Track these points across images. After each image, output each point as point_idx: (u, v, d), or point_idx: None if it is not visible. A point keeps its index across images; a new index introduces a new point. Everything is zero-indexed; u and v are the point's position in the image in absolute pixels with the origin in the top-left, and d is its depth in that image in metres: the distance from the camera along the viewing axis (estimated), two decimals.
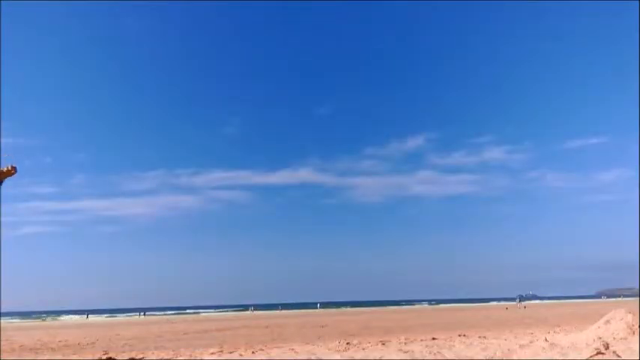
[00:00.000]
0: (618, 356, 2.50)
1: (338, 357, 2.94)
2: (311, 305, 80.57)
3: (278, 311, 60.84)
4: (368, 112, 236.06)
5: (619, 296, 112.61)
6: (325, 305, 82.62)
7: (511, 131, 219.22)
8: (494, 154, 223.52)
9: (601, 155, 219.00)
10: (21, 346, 10.44)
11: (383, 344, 3.73)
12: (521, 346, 2.99)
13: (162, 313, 67.53)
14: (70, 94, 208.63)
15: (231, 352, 3.80)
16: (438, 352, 2.95)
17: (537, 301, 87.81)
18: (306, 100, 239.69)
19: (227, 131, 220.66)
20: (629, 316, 3.10)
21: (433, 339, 4.20)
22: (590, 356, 2.48)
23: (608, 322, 3.13)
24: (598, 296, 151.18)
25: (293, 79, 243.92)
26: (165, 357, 3.49)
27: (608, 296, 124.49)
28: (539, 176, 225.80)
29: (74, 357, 5.11)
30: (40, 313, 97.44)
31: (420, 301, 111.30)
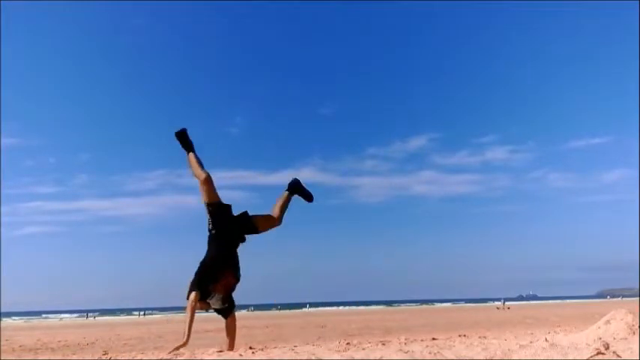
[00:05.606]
0: (618, 356, 2.50)
1: (338, 357, 2.94)
2: (302, 305, 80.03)
3: (277, 311, 60.83)
4: (370, 112, 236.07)
5: (619, 296, 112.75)
6: (313, 305, 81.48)
7: (514, 131, 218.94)
8: (497, 154, 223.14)
9: (603, 155, 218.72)
10: (21, 346, 10.44)
11: (383, 344, 3.72)
12: (522, 346, 2.99)
13: (162, 313, 67.50)
14: (72, 95, 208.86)
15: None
16: (438, 352, 2.95)
17: (535, 301, 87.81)
18: (309, 100, 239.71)
19: (230, 131, 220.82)
20: (630, 316, 3.09)
21: (433, 339, 4.20)
22: (590, 356, 2.48)
23: (608, 322, 3.12)
24: (598, 296, 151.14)
25: (296, 79, 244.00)
26: (166, 357, 3.49)
27: (613, 296, 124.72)
28: (542, 176, 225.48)
29: (74, 357, 5.10)
30: (40, 313, 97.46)
31: (420, 301, 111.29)
